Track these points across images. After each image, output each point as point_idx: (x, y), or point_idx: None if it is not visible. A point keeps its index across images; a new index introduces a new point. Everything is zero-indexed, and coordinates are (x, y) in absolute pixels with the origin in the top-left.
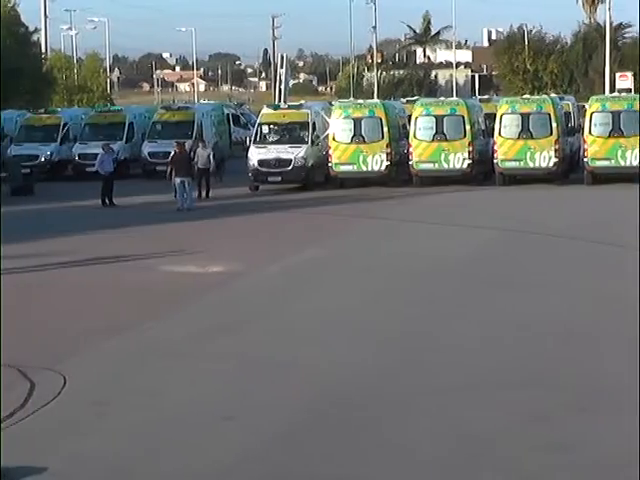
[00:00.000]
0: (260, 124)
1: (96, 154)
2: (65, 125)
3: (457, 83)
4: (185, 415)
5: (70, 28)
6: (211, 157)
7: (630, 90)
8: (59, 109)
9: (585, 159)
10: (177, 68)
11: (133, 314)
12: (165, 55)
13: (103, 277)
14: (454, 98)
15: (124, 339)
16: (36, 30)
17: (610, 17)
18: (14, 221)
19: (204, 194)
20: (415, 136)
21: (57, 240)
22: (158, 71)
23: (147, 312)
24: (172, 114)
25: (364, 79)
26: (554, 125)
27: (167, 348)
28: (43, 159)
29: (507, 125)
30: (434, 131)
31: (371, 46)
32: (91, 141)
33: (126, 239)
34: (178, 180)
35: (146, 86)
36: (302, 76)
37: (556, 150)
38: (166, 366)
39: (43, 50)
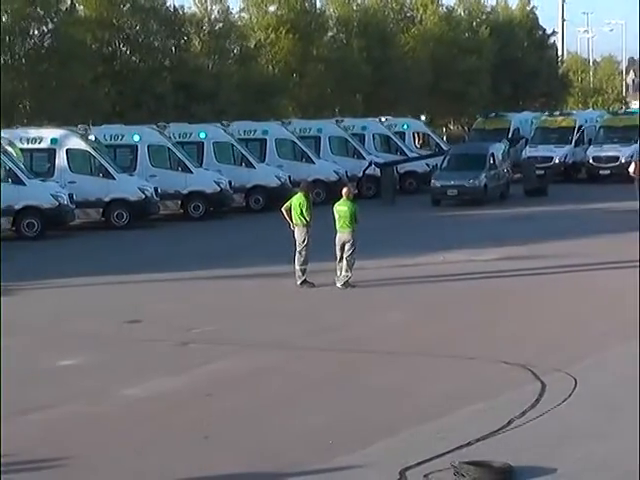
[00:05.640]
0: None
1: (610, 157)
2: (580, 127)
3: None
4: None
5: (587, 31)
6: None
7: None
8: (574, 111)
9: None
10: None
11: None
12: None
13: (620, 281)
14: None
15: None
16: (553, 33)
17: None
18: (528, 223)
19: None
20: None
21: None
22: None
23: None
24: None
25: None
26: None
27: None
28: (557, 161)
29: None
30: None
31: None
32: (605, 144)
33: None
34: None
35: None
36: None
37: None
38: None
39: (559, 53)
